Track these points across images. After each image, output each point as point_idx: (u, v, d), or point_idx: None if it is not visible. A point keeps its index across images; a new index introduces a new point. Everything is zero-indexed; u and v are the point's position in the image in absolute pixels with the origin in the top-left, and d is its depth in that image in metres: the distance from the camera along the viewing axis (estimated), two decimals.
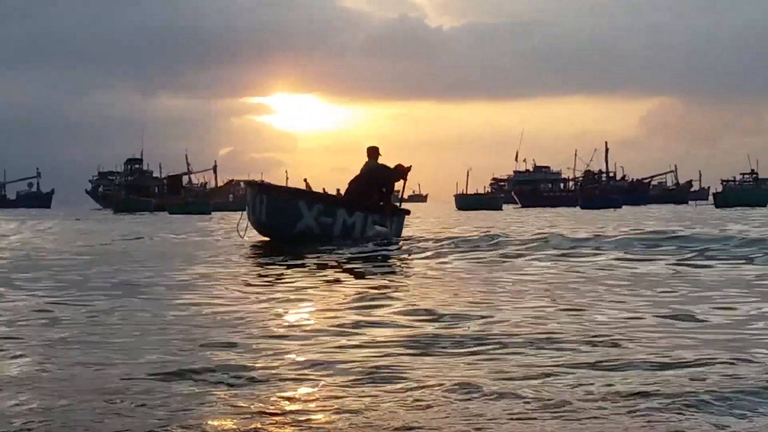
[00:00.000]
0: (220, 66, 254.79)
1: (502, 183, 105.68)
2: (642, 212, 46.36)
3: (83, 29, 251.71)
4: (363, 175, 16.65)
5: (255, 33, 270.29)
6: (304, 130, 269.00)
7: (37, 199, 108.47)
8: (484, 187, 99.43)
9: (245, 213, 16.86)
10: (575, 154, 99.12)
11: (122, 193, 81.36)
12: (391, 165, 16.97)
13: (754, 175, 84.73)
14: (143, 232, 21.77)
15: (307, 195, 16.50)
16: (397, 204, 17.80)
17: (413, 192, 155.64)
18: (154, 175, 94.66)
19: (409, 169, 17.00)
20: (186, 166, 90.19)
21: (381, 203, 16.64)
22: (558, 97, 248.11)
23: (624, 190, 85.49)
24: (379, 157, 16.95)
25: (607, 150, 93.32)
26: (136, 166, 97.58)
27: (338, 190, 17.72)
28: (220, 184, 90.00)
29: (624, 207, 64.50)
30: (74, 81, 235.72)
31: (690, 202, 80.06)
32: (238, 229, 16.94)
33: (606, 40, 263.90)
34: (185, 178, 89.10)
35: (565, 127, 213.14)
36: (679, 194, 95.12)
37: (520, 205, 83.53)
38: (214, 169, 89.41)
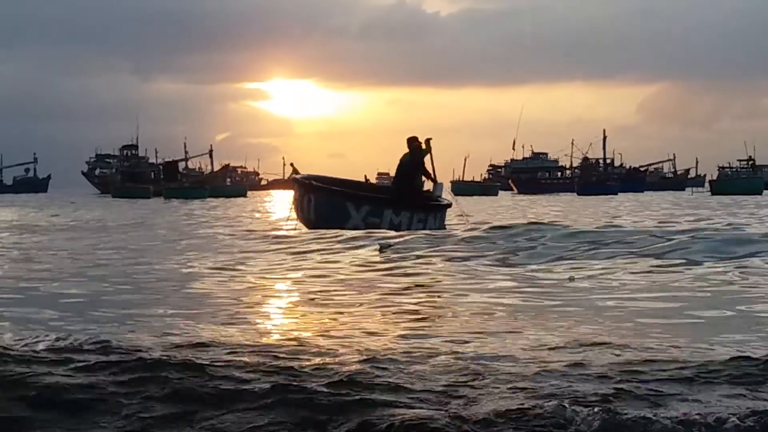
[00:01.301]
0: (218, 51, 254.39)
1: (499, 170, 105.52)
2: (644, 200, 46.32)
3: (79, 11, 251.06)
4: (408, 172, 16.73)
5: (253, 17, 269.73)
6: (301, 115, 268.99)
7: (34, 185, 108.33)
8: (481, 174, 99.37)
9: (292, 208, 17.12)
10: (572, 143, 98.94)
11: (118, 179, 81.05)
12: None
13: (751, 162, 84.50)
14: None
15: (355, 196, 16.79)
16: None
17: None
18: (150, 160, 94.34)
19: (427, 141, 16.92)
20: (184, 153, 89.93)
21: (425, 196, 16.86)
22: (556, 82, 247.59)
23: (621, 177, 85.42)
24: (420, 145, 16.89)
25: (605, 137, 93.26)
26: (133, 152, 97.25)
27: (366, 177, 17.82)
28: (216, 168, 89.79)
29: (620, 194, 64.57)
30: (70, 64, 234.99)
31: (687, 188, 79.98)
32: (288, 224, 17.10)
33: (604, 26, 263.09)
34: (182, 164, 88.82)
35: (562, 113, 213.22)
36: (677, 182, 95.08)
37: (517, 192, 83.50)
38: (210, 153, 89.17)
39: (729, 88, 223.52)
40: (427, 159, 16.99)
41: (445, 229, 16.46)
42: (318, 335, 5.16)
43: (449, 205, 17.65)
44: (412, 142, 16.90)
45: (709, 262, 9.46)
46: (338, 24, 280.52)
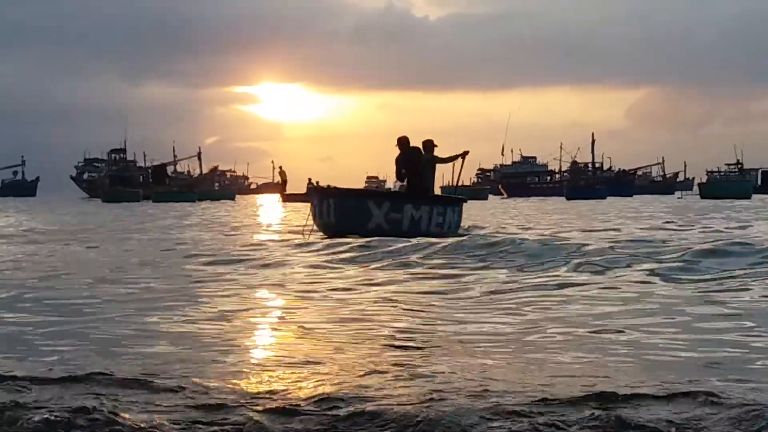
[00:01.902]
0: (207, 55, 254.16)
1: (488, 174, 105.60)
2: (628, 204, 46.32)
3: (67, 14, 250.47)
4: (410, 168, 17.02)
5: (242, 21, 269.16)
6: (290, 119, 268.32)
7: (22, 188, 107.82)
8: (470, 178, 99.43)
9: (310, 216, 17.18)
10: (560, 147, 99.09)
11: (107, 183, 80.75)
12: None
13: (739, 166, 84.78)
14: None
15: (374, 194, 17.16)
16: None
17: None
18: (138, 164, 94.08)
19: (465, 154, 17.77)
20: (172, 157, 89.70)
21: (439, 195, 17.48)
22: (544, 87, 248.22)
23: (610, 180, 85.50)
24: (435, 148, 17.45)
25: (593, 141, 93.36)
26: (121, 155, 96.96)
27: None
28: (205, 172, 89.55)
29: (609, 198, 64.63)
30: (58, 67, 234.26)
31: (676, 192, 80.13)
32: (304, 232, 16.88)
33: (592, 31, 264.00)
34: (170, 168, 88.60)
35: (551, 118, 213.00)
36: (666, 186, 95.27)
37: (506, 196, 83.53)
38: (199, 156, 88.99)
39: (717, 92, 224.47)
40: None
41: (459, 225, 17.00)
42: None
43: (466, 200, 17.99)
44: (430, 144, 17.44)
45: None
46: (327, 28, 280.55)
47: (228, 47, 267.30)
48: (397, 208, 16.41)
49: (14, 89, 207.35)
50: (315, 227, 16.88)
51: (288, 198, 64.20)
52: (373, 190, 17.78)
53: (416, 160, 16.99)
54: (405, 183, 17.48)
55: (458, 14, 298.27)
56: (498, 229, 17.56)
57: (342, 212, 16.35)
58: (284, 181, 72.87)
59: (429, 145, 17.44)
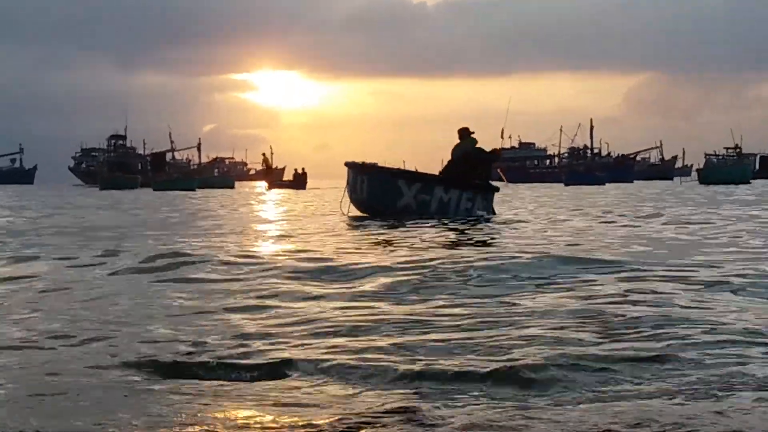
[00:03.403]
0: (204, 42, 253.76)
1: None
2: (634, 190, 46.18)
3: (64, 4, 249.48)
4: (458, 159, 17.27)
5: (238, 9, 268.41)
6: (287, 106, 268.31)
7: (20, 176, 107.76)
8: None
9: (346, 191, 17.68)
10: (560, 131, 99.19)
11: (105, 170, 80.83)
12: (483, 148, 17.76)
13: (737, 150, 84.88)
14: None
15: (406, 174, 17.27)
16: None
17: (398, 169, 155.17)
18: (138, 151, 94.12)
19: (499, 151, 18.50)
20: (170, 144, 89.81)
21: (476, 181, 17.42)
22: (542, 73, 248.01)
23: (609, 166, 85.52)
24: (472, 134, 17.57)
25: (591, 126, 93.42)
26: (120, 142, 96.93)
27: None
28: (204, 161, 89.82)
29: (608, 184, 64.60)
30: (56, 56, 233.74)
31: (676, 178, 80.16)
32: (341, 206, 17.54)
33: (589, 16, 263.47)
34: (169, 155, 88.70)
35: (549, 104, 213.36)
36: (665, 170, 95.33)
37: (506, 182, 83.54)
38: (198, 147, 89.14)
39: (714, 78, 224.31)
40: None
41: (494, 213, 17.02)
42: None
43: (497, 189, 18.17)
44: (466, 132, 17.55)
45: None
46: (323, 15, 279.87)
47: (224, 35, 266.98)
48: (427, 190, 16.65)
49: (12, 79, 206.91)
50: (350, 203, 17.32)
51: (275, 185, 64.53)
52: (407, 170, 17.99)
53: (475, 153, 17.32)
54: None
55: (454, 0, 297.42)
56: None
57: (373, 189, 16.78)
58: (269, 167, 73.14)
59: (465, 133, 17.60)
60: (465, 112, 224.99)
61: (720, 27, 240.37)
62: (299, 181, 65.05)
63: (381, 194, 16.65)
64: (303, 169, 66.98)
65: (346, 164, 17.82)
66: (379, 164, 18.19)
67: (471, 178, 17.08)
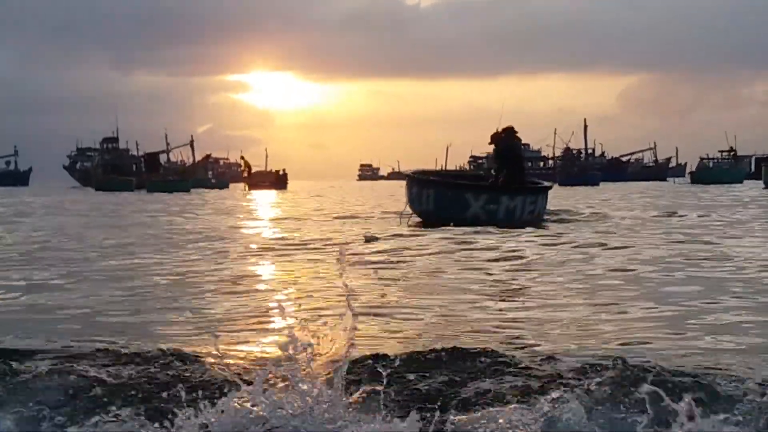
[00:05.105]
0: (199, 43, 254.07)
1: (481, 160, 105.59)
2: (627, 190, 46.34)
3: (59, 4, 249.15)
4: (515, 158, 18.59)
5: (233, 9, 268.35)
6: (281, 107, 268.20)
7: (15, 177, 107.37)
8: (462, 164, 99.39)
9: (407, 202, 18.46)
10: (554, 132, 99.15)
11: (99, 171, 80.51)
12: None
13: (732, 152, 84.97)
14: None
15: (473, 187, 18.22)
16: None
17: (392, 169, 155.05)
18: (131, 152, 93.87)
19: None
20: (165, 145, 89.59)
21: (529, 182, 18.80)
22: (536, 74, 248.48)
23: (603, 167, 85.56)
24: (516, 134, 18.81)
25: (585, 127, 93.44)
26: (113, 145, 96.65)
27: (460, 167, 19.51)
28: (197, 159, 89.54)
29: (602, 184, 64.73)
30: (50, 56, 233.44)
31: (668, 179, 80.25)
32: (401, 218, 18.00)
33: (583, 17, 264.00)
34: (163, 156, 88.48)
35: (543, 104, 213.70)
36: (658, 171, 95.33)
37: None
38: (191, 144, 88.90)
39: (709, 78, 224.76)
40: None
41: (545, 210, 18.40)
42: None
43: (551, 187, 19.32)
44: (512, 130, 18.67)
45: None
46: (319, 15, 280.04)
47: (219, 35, 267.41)
48: (494, 200, 17.51)
49: (5, 80, 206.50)
50: (411, 213, 17.94)
51: (254, 186, 70.48)
52: (470, 183, 18.63)
53: (519, 151, 18.48)
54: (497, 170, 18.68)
55: (449, 1, 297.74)
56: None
57: (441, 202, 17.54)
58: (249, 169, 78.37)
59: (512, 132, 18.59)
60: (460, 111, 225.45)
61: (716, 28, 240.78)
62: (279, 182, 67.93)
63: (449, 206, 17.35)
64: (284, 170, 71.90)
65: (407, 176, 18.60)
66: (411, 171, 19.09)
67: (523, 177, 18.21)
